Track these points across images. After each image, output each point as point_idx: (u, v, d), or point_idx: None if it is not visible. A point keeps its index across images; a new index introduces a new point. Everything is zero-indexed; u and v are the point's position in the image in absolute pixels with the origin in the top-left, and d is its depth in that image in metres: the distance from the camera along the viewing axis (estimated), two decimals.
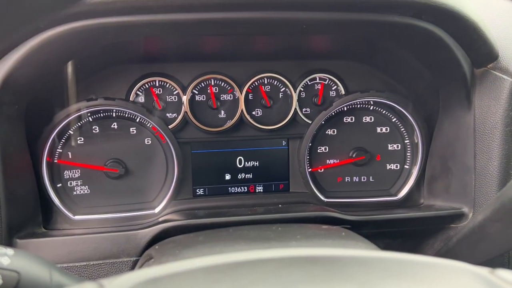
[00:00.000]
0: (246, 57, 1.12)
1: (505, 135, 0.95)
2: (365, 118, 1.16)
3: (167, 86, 1.08)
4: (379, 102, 1.14)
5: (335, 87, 1.13)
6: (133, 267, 0.93)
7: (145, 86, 1.08)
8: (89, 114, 1.05)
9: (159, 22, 0.75)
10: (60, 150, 1.05)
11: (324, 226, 0.87)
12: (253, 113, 1.12)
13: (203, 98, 1.10)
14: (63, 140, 1.05)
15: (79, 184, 1.08)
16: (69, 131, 1.05)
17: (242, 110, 1.10)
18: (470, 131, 1.00)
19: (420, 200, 1.17)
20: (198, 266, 0.41)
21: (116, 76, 1.08)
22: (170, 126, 1.08)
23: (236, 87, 1.10)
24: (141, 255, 0.91)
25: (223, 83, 1.10)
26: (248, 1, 0.72)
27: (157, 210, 1.09)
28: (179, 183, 1.10)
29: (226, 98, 1.11)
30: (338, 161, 1.17)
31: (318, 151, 1.16)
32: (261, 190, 1.17)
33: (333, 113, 1.14)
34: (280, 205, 1.08)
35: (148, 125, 1.08)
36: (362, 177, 1.18)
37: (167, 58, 1.09)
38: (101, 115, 1.06)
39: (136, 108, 1.05)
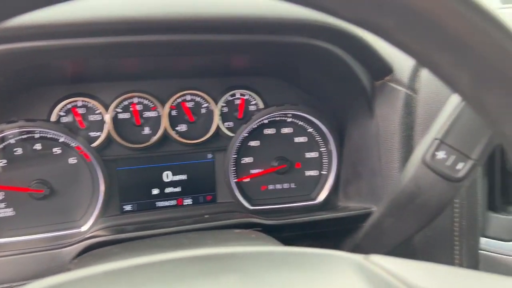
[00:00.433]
0: (169, 75, 1.17)
1: (403, 140, 1.06)
2: (284, 129, 1.25)
3: (90, 105, 1.11)
4: (296, 115, 1.23)
5: (255, 101, 1.21)
6: None
7: (67, 106, 1.10)
8: (11, 136, 1.06)
9: (70, 46, 0.78)
10: None
11: (237, 231, 0.93)
12: (178, 128, 1.17)
13: (127, 116, 1.14)
14: None
15: (3, 207, 1.07)
16: None
17: (165, 126, 1.14)
18: (374, 138, 1.11)
19: (338, 203, 1.27)
20: (94, 272, 0.45)
21: (39, 98, 1.09)
22: (94, 145, 1.10)
23: (159, 104, 1.14)
24: None
25: (146, 100, 1.14)
26: (153, 25, 0.78)
27: (84, 228, 1.10)
28: (106, 200, 1.12)
29: (150, 115, 1.15)
30: (262, 170, 1.24)
31: (243, 162, 1.23)
32: (190, 203, 1.22)
33: (255, 126, 1.21)
34: (206, 216, 1.13)
35: (72, 144, 1.10)
36: (285, 184, 1.26)
37: (89, 78, 1.11)
38: (24, 136, 1.07)
39: (58, 129, 1.06)
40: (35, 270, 0.93)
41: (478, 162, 0.74)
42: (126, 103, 1.13)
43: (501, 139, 0.42)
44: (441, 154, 0.76)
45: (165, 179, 1.19)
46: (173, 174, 1.20)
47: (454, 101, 0.77)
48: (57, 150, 1.10)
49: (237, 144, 1.20)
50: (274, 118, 1.23)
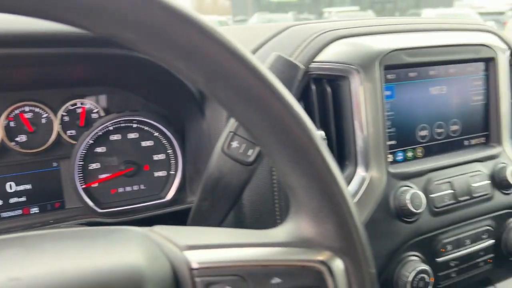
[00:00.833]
0: (5, 88, 1.19)
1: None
2: (130, 135, 1.33)
3: None
4: (140, 121, 1.33)
5: (97, 110, 1.29)
6: None
7: None
8: None
9: None
10: None
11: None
12: (17, 139, 1.20)
13: None
14: None
15: None
16: None
17: (2, 137, 1.17)
18: (207, 137, 1.25)
19: (187, 199, 1.39)
20: None
21: None
22: None
23: None
24: None
25: None
26: None
27: None
28: None
29: None
30: (110, 174, 1.31)
31: (90, 168, 1.29)
32: (37, 211, 1.24)
33: (100, 133, 1.28)
34: (51, 221, 1.17)
35: None
36: (134, 186, 1.35)
37: None
38: None
39: None
40: None
41: None
42: None
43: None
44: (235, 144, 0.92)
45: (9, 190, 1.21)
46: (17, 185, 1.22)
47: None
48: None
49: (83, 151, 1.26)
50: (119, 125, 1.31)
